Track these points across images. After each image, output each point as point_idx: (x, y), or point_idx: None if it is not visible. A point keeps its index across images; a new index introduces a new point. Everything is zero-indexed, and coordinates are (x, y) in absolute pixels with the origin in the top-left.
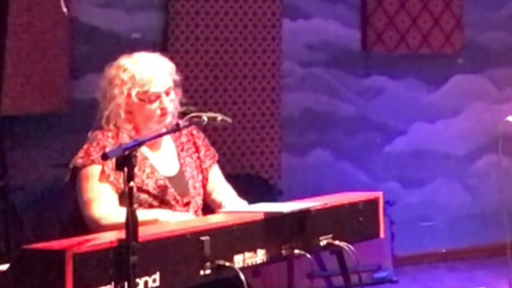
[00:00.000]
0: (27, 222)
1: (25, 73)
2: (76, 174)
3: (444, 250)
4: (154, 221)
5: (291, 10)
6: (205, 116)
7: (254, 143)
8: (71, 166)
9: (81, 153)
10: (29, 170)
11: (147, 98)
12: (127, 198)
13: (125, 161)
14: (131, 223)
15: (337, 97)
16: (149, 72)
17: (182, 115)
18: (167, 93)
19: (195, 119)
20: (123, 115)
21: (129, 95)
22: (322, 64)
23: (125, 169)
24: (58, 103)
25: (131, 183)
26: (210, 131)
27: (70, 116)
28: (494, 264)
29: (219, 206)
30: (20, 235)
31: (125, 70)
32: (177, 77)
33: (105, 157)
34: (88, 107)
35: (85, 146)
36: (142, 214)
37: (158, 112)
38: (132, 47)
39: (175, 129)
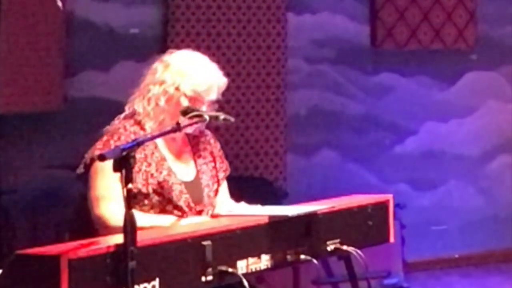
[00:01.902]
0: (20, 226)
1: (18, 71)
2: (91, 166)
3: (457, 256)
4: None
5: (296, 4)
6: (206, 115)
7: (258, 144)
8: (87, 156)
9: (99, 145)
10: (22, 172)
11: (194, 98)
12: (125, 201)
13: (123, 162)
14: (130, 227)
15: (345, 95)
16: (209, 77)
17: (183, 113)
18: (209, 105)
19: (197, 118)
20: (162, 103)
21: (178, 88)
22: (329, 60)
23: (123, 170)
24: (53, 102)
25: (130, 185)
26: (212, 130)
27: (66, 115)
28: (509, 270)
29: None
30: (12, 240)
31: (189, 62)
32: (220, 97)
33: (102, 158)
34: (85, 105)
35: (105, 138)
36: (159, 220)
37: None
38: (130, 43)
39: (176, 128)
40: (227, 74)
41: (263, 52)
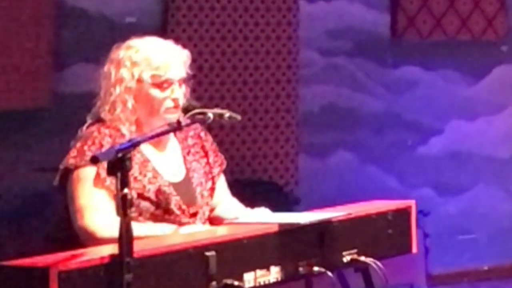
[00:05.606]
0: (5, 235)
1: (2, 64)
2: (67, 176)
3: (486, 267)
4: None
5: None
6: (210, 113)
7: (267, 144)
8: (61, 167)
9: (73, 153)
10: (7, 175)
11: (160, 83)
12: (120, 207)
13: (118, 164)
14: (126, 236)
15: (363, 91)
16: (165, 56)
17: (184, 111)
18: (180, 84)
19: (199, 116)
20: (130, 102)
21: (140, 79)
22: (346, 53)
23: (118, 174)
24: (41, 98)
25: (126, 190)
26: (217, 130)
27: (55, 113)
28: None
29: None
30: None
31: (137, 51)
32: (190, 71)
33: (95, 160)
34: (76, 102)
35: (78, 145)
36: (159, 229)
37: (170, 103)
38: (126, 33)
39: (176, 127)
40: (233, 68)
41: (273, 44)
